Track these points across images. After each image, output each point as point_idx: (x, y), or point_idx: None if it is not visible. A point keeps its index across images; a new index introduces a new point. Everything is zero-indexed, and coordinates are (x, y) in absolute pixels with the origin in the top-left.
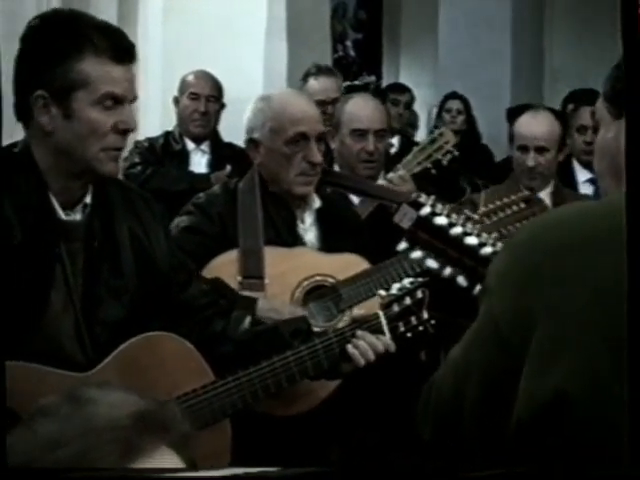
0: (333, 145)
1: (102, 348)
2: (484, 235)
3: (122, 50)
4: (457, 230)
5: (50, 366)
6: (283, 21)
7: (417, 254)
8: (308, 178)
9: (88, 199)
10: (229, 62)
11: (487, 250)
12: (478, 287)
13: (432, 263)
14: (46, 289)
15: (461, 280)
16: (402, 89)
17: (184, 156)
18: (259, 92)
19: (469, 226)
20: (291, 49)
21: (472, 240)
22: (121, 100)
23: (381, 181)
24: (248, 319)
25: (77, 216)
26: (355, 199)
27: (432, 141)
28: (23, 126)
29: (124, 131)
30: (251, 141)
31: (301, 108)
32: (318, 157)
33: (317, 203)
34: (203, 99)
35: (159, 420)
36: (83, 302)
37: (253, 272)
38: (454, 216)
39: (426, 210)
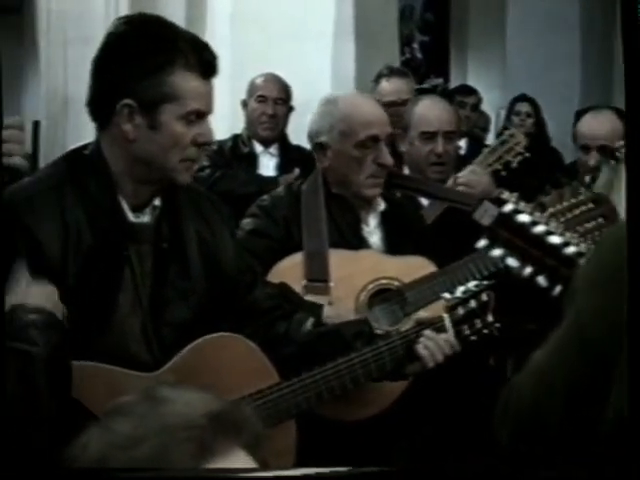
0: (402, 148)
1: (168, 349)
2: (568, 234)
3: (209, 65)
4: (540, 228)
5: (117, 366)
6: (351, 23)
7: (497, 252)
8: (377, 180)
9: (157, 201)
10: (297, 64)
11: (571, 250)
12: (558, 288)
13: (512, 262)
14: (115, 291)
15: (541, 280)
16: (469, 91)
17: (252, 159)
18: (327, 94)
19: (553, 224)
20: (359, 51)
21: (555, 239)
22: (203, 115)
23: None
24: (311, 321)
25: (146, 218)
26: (424, 202)
27: (502, 142)
28: (97, 128)
29: (202, 144)
30: (318, 144)
31: (371, 111)
32: (389, 159)
33: (382, 205)
34: (271, 102)
35: (233, 420)
36: (150, 303)
37: (318, 275)
38: (537, 214)
39: (508, 207)
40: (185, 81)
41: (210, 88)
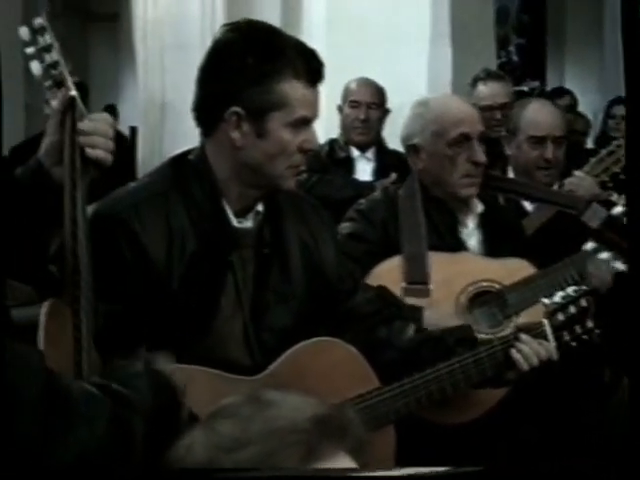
0: (509, 151)
1: (268, 353)
2: None
3: (316, 72)
4: None
5: (218, 370)
6: (447, 26)
7: (604, 255)
8: (472, 179)
9: (260, 207)
10: (393, 68)
11: None
12: None
13: (620, 265)
14: (217, 295)
15: None
16: (561, 92)
17: (349, 164)
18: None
19: None
20: (455, 54)
21: None
22: (309, 121)
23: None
24: (412, 327)
25: (249, 223)
26: (528, 207)
27: (610, 153)
28: (203, 134)
29: (308, 150)
30: (411, 147)
31: (461, 109)
32: (482, 156)
33: (479, 207)
34: (364, 106)
35: (338, 424)
36: (252, 308)
37: (417, 278)
38: None
39: (618, 209)
40: (293, 89)
41: (316, 95)
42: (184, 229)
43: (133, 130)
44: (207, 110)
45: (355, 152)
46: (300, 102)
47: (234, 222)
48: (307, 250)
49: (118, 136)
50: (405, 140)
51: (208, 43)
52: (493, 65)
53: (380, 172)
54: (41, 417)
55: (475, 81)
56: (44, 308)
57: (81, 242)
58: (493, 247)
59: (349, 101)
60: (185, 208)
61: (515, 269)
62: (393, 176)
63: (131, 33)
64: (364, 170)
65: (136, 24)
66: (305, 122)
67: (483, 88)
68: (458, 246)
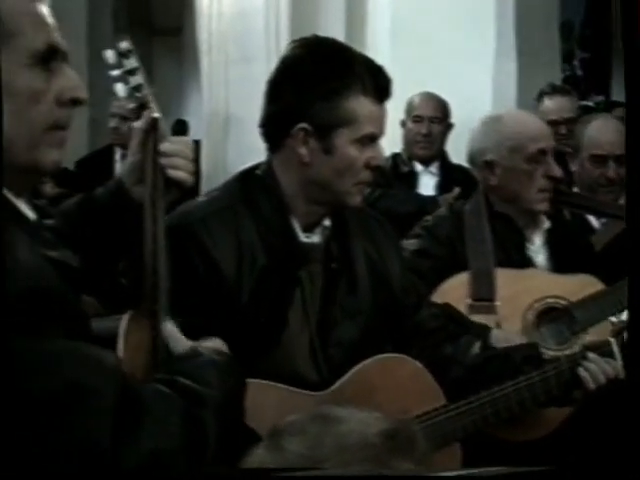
0: (573, 168)
1: (335, 368)
2: None
3: (384, 89)
4: None
5: (285, 384)
6: (512, 41)
7: None
8: (547, 194)
9: (327, 222)
10: (457, 83)
11: None
12: None
13: None
14: (285, 310)
15: None
16: (619, 106)
17: (412, 178)
18: (488, 112)
19: None
20: (520, 69)
21: None
22: (376, 138)
23: None
24: (478, 344)
25: (316, 238)
26: (595, 224)
27: None
28: (269, 149)
29: (375, 167)
30: (485, 163)
31: (537, 125)
32: (558, 171)
33: (546, 224)
34: (426, 121)
35: (406, 438)
36: (319, 323)
37: (484, 294)
38: None
39: None
40: (361, 105)
41: (384, 111)
42: (253, 243)
43: (197, 143)
44: (274, 126)
45: (418, 166)
46: (367, 119)
47: (301, 237)
48: (373, 265)
49: None
50: (477, 156)
51: (272, 57)
52: (558, 80)
53: (443, 187)
54: (116, 418)
55: (541, 95)
56: (124, 320)
57: (160, 259)
58: (560, 263)
59: (412, 116)
60: (253, 223)
61: (583, 285)
62: (456, 190)
63: (195, 47)
64: (427, 184)
65: (201, 37)
66: (372, 139)
67: (549, 103)
68: (525, 263)
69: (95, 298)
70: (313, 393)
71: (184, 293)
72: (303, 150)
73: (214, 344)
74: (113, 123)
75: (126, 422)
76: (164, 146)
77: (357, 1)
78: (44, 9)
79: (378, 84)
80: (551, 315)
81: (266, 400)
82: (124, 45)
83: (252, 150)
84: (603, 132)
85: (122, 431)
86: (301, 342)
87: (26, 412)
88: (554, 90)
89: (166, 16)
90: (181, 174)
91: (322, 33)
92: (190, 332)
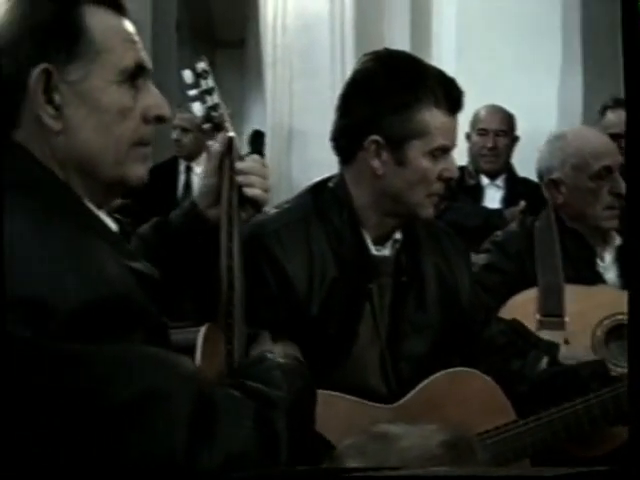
0: None
1: (404, 381)
2: None
3: (456, 101)
4: None
5: (354, 396)
6: (578, 54)
7: None
8: (615, 211)
9: (398, 235)
10: (523, 96)
11: None
12: None
13: None
14: (356, 322)
15: None
16: None
17: (478, 191)
18: (554, 125)
19: None
20: (586, 82)
21: None
22: (448, 150)
23: None
24: (545, 359)
25: (387, 251)
26: None
27: None
28: (341, 162)
29: (447, 179)
30: (551, 182)
31: (601, 142)
32: (624, 188)
33: (617, 240)
34: (491, 134)
35: (466, 447)
36: (388, 336)
37: (553, 310)
38: None
39: None
40: (433, 117)
41: (455, 123)
42: (324, 255)
43: (257, 134)
44: (347, 139)
45: (485, 180)
46: (440, 131)
47: (373, 250)
48: (443, 279)
49: None
50: (543, 174)
51: (337, 70)
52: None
53: (510, 200)
54: (192, 422)
55: (604, 109)
56: (202, 331)
57: (236, 275)
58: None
59: (478, 129)
60: (325, 235)
61: None
62: (522, 204)
63: (259, 59)
64: (493, 198)
65: (265, 50)
66: (444, 150)
67: (612, 116)
68: (595, 279)
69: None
70: (383, 406)
71: (256, 305)
72: (376, 162)
73: (284, 349)
74: (175, 135)
75: (200, 427)
76: (240, 164)
77: (423, 14)
78: (131, 28)
79: (450, 96)
80: (620, 332)
81: (336, 411)
82: (201, 65)
83: (315, 163)
84: None
85: (197, 436)
86: (371, 355)
87: (104, 416)
88: (617, 103)
89: (228, 29)
90: (257, 192)
91: (387, 46)
92: None
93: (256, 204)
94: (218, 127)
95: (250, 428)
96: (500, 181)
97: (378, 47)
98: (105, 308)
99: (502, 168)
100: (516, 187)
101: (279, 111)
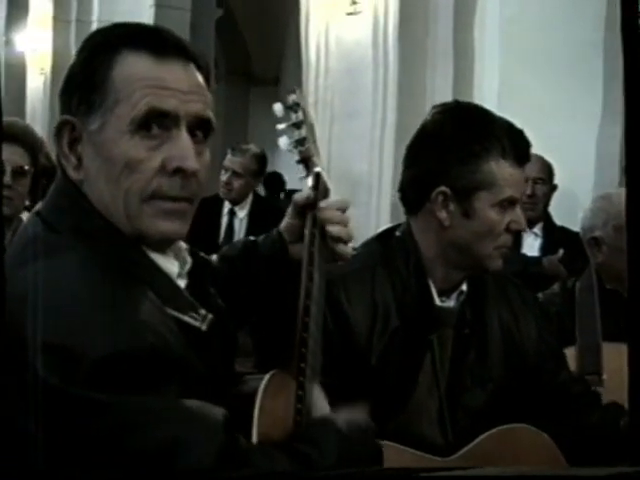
0: None
1: (461, 433)
2: None
3: (524, 153)
4: None
5: (410, 447)
6: (619, 104)
7: None
8: None
9: (464, 287)
10: (563, 144)
11: None
12: None
13: None
14: (415, 372)
15: None
16: None
17: (517, 238)
18: (591, 175)
19: None
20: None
21: None
22: (516, 201)
23: None
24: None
25: (451, 303)
26: None
27: None
28: (407, 212)
29: (516, 230)
30: (592, 240)
31: None
32: None
33: None
34: (530, 182)
35: None
36: (448, 388)
37: (591, 368)
38: None
39: None
40: (501, 169)
41: (522, 175)
42: (388, 304)
43: (288, 194)
44: (414, 189)
45: None
46: (507, 182)
47: (437, 301)
48: (508, 332)
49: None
50: (586, 232)
51: (378, 113)
52: None
53: (547, 248)
54: (216, 472)
55: None
56: (266, 378)
57: (314, 316)
58: None
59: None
60: (390, 284)
61: None
62: (561, 252)
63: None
64: (531, 245)
65: (307, 90)
66: (512, 202)
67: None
68: None
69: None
70: (439, 459)
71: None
72: (443, 214)
73: (350, 415)
74: (225, 178)
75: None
76: (324, 203)
77: (466, 60)
78: (173, 71)
79: (518, 147)
80: None
81: (391, 463)
82: (292, 98)
83: (355, 205)
84: None
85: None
86: (429, 406)
87: (130, 464)
88: None
89: (264, 66)
90: (340, 230)
91: (430, 92)
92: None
93: (339, 242)
94: (305, 161)
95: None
96: (538, 229)
97: (420, 92)
98: (133, 359)
99: (540, 216)
100: (554, 235)
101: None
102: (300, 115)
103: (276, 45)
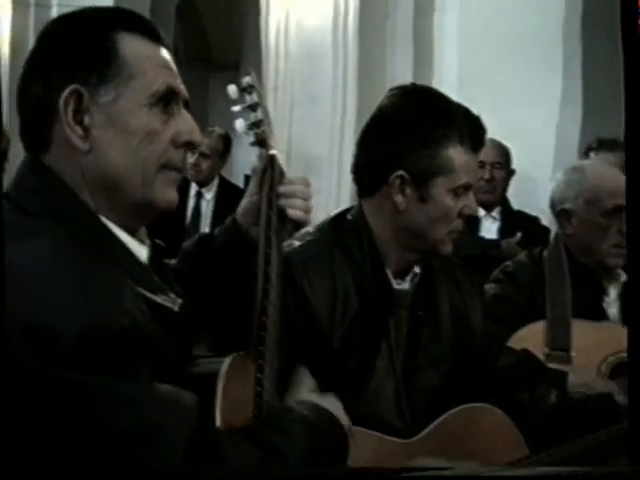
0: None
1: (418, 414)
2: None
3: (480, 140)
4: None
5: (370, 429)
6: (578, 89)
7: None
8: (622, 250)
9: (417, 269)
10: (522, 130)
11: None
12: None
13: None
14: (374, 356)
15: None
16: None
17: (475, 222)
18: (550, 160)
19: None
20: (585, 118)
21: None
22: (470, 187)
23: None
24: (555, 392)
25: (406, 285)
26: None
27: None
28: (360, 194)
29: (468, 216)
30: (562, 212)
31: (618, 181)
32: None
33: (623, 276)
34: (488, 166)
35: None
36: (403, 369)
37: (560, 344)
38: None
39: None
40: (458, 155)
41: (477, 161)
42: (347, 289)
43: (247, 179)
44: (371, 172)
45: (481, 211)
46: (464, 168)
47: (394, 284)
48: (457, 313)
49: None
50: (556, 203)
51: (338, 97)
52: (622, 129)
53: (505, 232)
54: (187, 457)
55: (587, 150)
56: (226, 362)
57: (272, 300)
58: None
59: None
60: (348, 268)
61: None
62: (519, 235)
63: (261, 85)
64: (489, 229)
65: (267, 76)
66: (467, 188)
67: (594, 158)
68: (599, 314)
69: (205, 341)
70: (401, 441)
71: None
72: (399, 197)
73: (318, 399)
74: (193, 160)
75: (199, 465)
76: (282, 188)
77: (425, 45)
78: (167, 55)
79: (475, 134)
80: (624, 369)
81: (356, 446)
82: (247, 80)
83: (313, 189)
84: None
85: (197, 471)
86: (386, 388)
87: (104, 446)
88: (600, 145)
89: (224, 51)
90: (299, 214)
91: (390, 76)
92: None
93: (298, 225)
94: (260, 144)
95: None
96: (496, 213)
97: (380, 77)
98: (108, 339)
99: (498, 200)
100: (512, 219)
101: (278, 136)
102: (255, 97)
103: (236, 30)
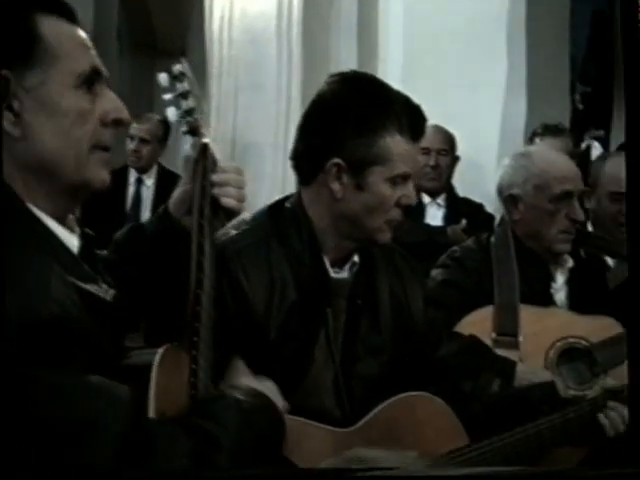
0: (587, 205)
1: (356, 404)
2: None
3: (420, 129)
4: None
5: (310, 419)
6: (523, 76)
7: None
8: (569, 236)
9: (356, 257)
10: (467, 116)
11: None
12: None
13: None
14: (312, 345)
15: None
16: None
17: (420, 209)
18: (495, 146)
19: None
20: (530, 104)
21: None
22: (409, 177)
23: None
24: (498, 381)
25: (344, 274)
26: (610, 262)
27: None
28: (299, 182)
29: (406, 205)
30: (510, 197)
31: (566, 166)
32: (581, 215)
33: (570, 263)
34: (433, 153)
35: None
36: (342, 358)
37: (508, 330)
38: None
39: None
40: (396, 144)
41: (417, 150)
42: (285, 278)
43: None
44: (308, 160)
45: (426, 198)
46: (402, 157)
47: (332, 273)
48: (397, 301)
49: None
50: (503, 189)
51: (283, 85)
52: (567, 115)
53: (450, 219)
54: (122, 448)
55: (532, 136)
56: (159, 353)
57: (206, 290)
58: (580, 303)
59: (420, 148)
60: (285, 257)
61: (604, 327)
62: (464, 222)
63: (204, 72)
64: (434, 216)
65: (211, 63)
66: (405, 177)
67: (540, 144)
68: (546, 300)
69: (139, 332)
70: (338, 429)
71: (216, 328)
72: (336, 185)
73: (254, 384)
74: (133, 146)
75: (134, 454)
76: (215, 176)
77: (370, 31)
78: (84, 34)
79: (414, 123)
80: (572, 355)
81: (293, 435)
82: (178, 68)
83: (258, 177)
84: (622, 169)
85: (130, 463)
86: (325, 378)
87: (40, 436)
88: (545, 130)
89: (170, 38)
90: (233, 202)
91: (334, 63)
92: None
93: (231, 214)
94: (193, 132)
95: (183, 465)
96: (441, 200)
97: (324, 62)
98: (41, 330)
99: (443, 187)
100: (457, 206)
101: (223, 124)
102: (186, 85)
103: (181, 17)
